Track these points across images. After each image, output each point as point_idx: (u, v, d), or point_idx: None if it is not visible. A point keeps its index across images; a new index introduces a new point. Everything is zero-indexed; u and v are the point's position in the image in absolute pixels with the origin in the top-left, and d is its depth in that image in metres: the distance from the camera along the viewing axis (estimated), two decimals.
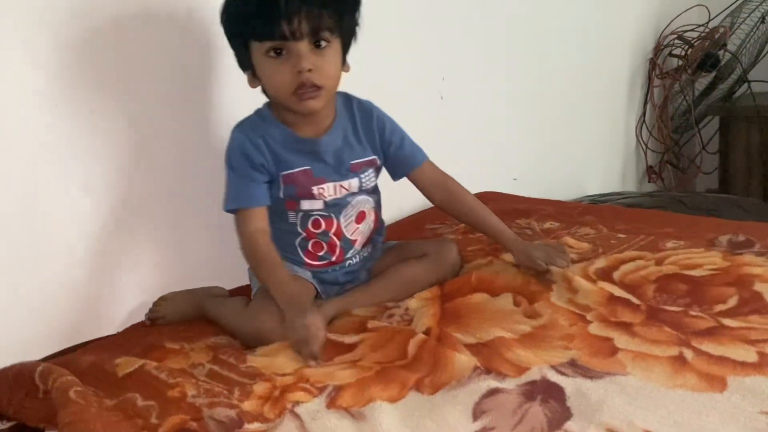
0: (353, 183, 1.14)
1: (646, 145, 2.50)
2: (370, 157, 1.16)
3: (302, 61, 1.02)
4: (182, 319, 1.15)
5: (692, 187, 2.66)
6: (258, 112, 1.14)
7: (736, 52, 2.38)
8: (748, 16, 2.38)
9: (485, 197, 1.71)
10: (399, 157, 1.18)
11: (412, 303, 1.09)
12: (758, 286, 1.03)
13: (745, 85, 2.41)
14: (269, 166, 1.09)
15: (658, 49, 2.48)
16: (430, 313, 1.05)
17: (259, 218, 1.10)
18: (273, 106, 1.12)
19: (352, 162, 1.14)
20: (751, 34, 2.37)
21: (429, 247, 1.23)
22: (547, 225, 1.42)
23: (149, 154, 1.21)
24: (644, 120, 2.50)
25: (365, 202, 1.17)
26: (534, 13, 1.98)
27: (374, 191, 1.20)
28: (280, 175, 1.10)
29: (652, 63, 2.48)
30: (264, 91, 1.11)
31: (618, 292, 1.07)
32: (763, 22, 2.38)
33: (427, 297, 1.11)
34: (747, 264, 1.12)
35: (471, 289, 1.12)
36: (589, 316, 1.01)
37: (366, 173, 1.16)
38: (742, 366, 0.85)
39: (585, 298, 1.06)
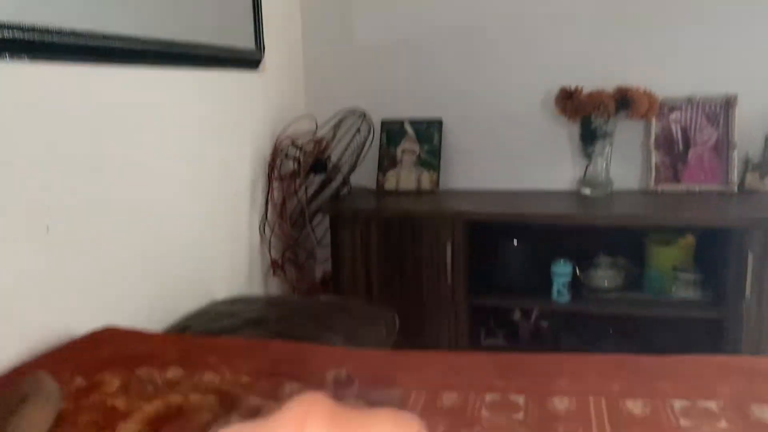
0: None
1: (269, 243, 2.66)
2: None
3: None
4: None
5: (312, 276, 2.91)
6: None
7: (338, 159, 2.72)
8: (347, 129, 2.74)
9: (104, 337, 1.62)
10: None
11: None
12: None
13: (348, 187, 2.77)
14: None
15: (275, 153, 2.68)
16: None
17: None
18: None
19: None
20: (349, 144, 2.73)
21: (24, 387, 1.14)
22: (170, 374, 1.38)
23: None
24: (267, 218, 2.66)
25: None
26: (161, 124, 1.97)
27: None
28: None
29: (271, 166, 2.67)
30: None
31: None
32: (358, 132, 2.77)
33: None
34: None
35: None
36: None
37: None
38: None
39: None
